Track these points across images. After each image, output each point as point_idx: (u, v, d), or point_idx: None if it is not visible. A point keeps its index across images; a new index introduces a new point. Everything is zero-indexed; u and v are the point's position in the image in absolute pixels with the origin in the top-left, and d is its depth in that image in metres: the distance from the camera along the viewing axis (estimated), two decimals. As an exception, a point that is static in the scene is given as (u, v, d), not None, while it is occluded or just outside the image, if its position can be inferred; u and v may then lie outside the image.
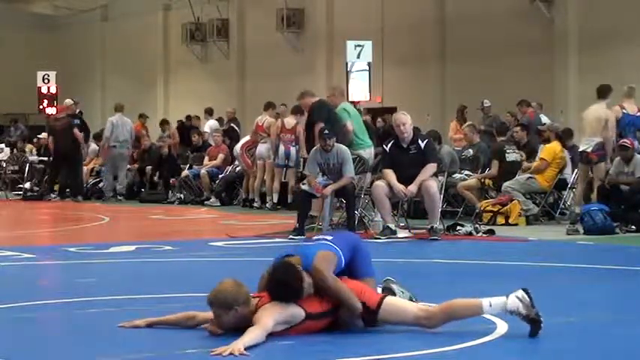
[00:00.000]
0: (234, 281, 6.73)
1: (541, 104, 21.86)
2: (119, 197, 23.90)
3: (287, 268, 6.74)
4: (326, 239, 7.14)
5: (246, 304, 6.66)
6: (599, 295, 9.01)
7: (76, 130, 23.89)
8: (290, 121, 19.61)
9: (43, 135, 27.67)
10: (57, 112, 25.57)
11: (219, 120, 26.55)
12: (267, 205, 20.06)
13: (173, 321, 7.01)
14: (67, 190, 24.31)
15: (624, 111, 16.49)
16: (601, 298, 8.75)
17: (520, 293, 6.66)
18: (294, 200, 18.66)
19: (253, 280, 7.00)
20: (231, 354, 6.14)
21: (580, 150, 16.28)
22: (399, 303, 6.93)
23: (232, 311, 6.62)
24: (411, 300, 7.20)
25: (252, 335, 6.38)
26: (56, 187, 24.62)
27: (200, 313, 6.97)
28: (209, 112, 26.95)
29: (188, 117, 27.75)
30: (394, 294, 7.16)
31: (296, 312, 6.66)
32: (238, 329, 6.54)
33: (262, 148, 20.31)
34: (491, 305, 6.69)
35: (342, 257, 6.97)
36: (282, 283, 6.66)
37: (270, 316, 6.55)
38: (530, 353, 6.44)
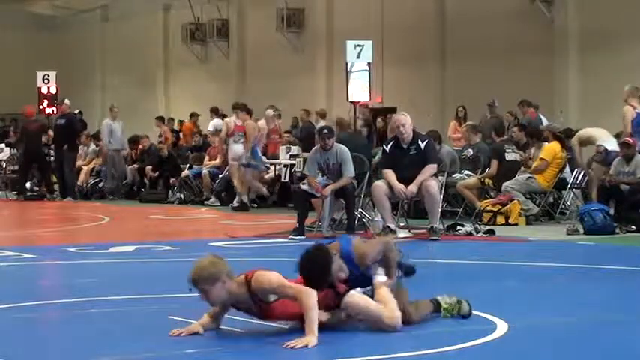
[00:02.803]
0: (213, 255, 6.73)
1: (537, 106, 21.73)
2: (110, 196, 24.14)
3: (320, 249, 6.94)
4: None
5: (230, 276, 6.62)
6: (599, 295, 9.00)
7: (48, 133, 23.99)
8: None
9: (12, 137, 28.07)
10: (29, 115, 25.62)
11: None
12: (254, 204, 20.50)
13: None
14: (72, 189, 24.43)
15: (637, 110, 16.44)
16: (601, 298, 8.74)
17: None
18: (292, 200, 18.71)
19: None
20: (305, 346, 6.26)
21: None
22: (362, 299, 6.96)
23: (219, 283, 6.56)
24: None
25: (312, 318, 6.41)
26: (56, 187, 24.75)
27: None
28: (215, 112, 26.95)
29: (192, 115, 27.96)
30: None
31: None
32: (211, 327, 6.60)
33: (240, 149, 20.36)
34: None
35: None
36: (314, 261, 6.81)
37: (282, 279, 6.59)
38: (529, 353, 6.43)
